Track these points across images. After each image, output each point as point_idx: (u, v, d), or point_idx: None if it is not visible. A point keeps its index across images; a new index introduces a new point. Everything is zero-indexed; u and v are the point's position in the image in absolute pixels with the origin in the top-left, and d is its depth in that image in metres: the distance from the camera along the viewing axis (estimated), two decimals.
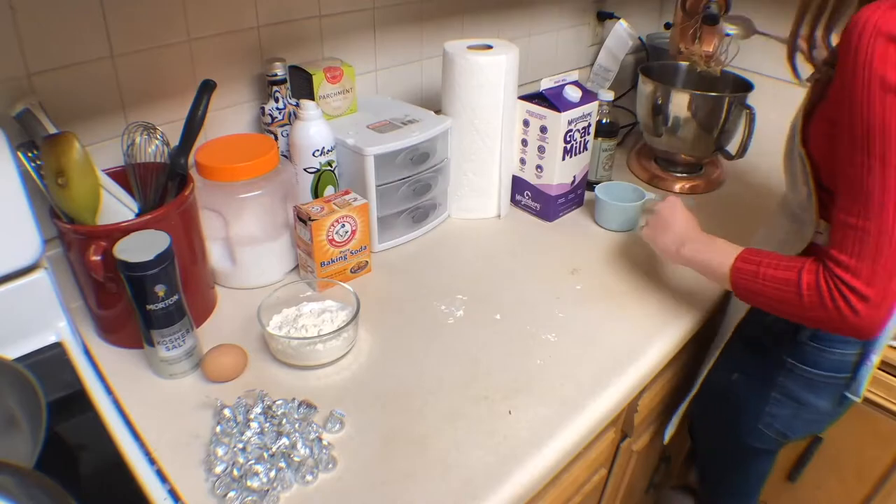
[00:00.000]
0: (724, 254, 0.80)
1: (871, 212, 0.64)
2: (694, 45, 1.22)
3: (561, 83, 1.08)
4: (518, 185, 1.16)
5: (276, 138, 1.02)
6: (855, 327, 0.68)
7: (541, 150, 1.09)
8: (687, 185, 1.29)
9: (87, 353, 0.79)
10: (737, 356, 0.95)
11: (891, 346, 1.05)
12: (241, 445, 0.66)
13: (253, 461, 0.64)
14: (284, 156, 1.01)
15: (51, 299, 0.77)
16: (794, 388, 0.88)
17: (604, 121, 1.19)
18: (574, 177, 1.14)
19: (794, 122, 0.81)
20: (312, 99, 1.02)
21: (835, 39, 0.71)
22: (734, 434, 1.00)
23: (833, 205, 0.70)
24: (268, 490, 0.62)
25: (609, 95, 1.19)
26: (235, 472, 0.63)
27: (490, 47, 1.05)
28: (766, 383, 0.91)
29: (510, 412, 0.74)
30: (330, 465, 0.66)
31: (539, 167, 1.11)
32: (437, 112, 1.10)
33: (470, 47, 1.04)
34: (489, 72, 1.02)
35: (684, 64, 1.37)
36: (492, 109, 1.05)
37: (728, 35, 1.17)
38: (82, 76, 0.83)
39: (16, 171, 0.70)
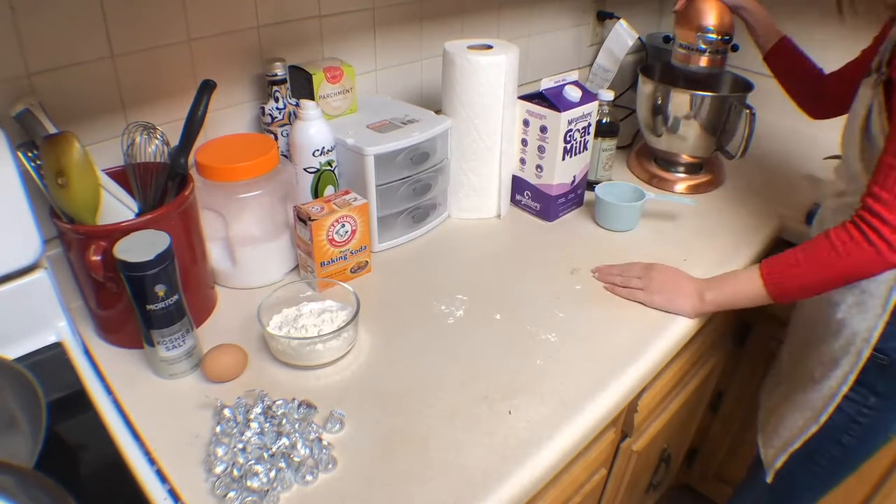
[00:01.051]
0: (746, 277, 0.84)
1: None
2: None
3: (561, 83, 1.08)
4: (518, 184, 1.16)
5: (276, 138, 1.02)
6: (886, 268, 0.74)
7: (541, 149, 1.09)
8: (687, 185, 1.29)
9: (87, 353, 0.79)
10: (871, 380, 0.91)
11: None
12: (241, 445, 0.66)
13: (253, 461, 0.64)
14: (284, 156, 1.01)
15: (51, 299, 0.77)
16: None
17: (604, 121, 1.19)
18: (574, 176, 1.14)
19: (865, 110, 0.83)
20: (312, 99, 1.02)
21: None
22: (858, 453, 0.99)
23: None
24: (268, 490, 0.62)
25: (609, 95, 1.19)
26: (235, 473, 0.63)
27: (490, 47, 1.05)
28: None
29: (510, 412, 0.74)
30: (330, 465, 0.66)
31: (539, 167, 1.11)
32: (437, 112, 1.10)
33: (470, 47, 1.04)
34: (489, 72, 1.02)
35: (685, 64, 1.36)
36: (492, 109, 1.05)
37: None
38: (82, 76, 0.83)
39: (16, 171, 0.70)
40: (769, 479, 1.07)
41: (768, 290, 0.83)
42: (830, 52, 1.16)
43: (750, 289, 0.84)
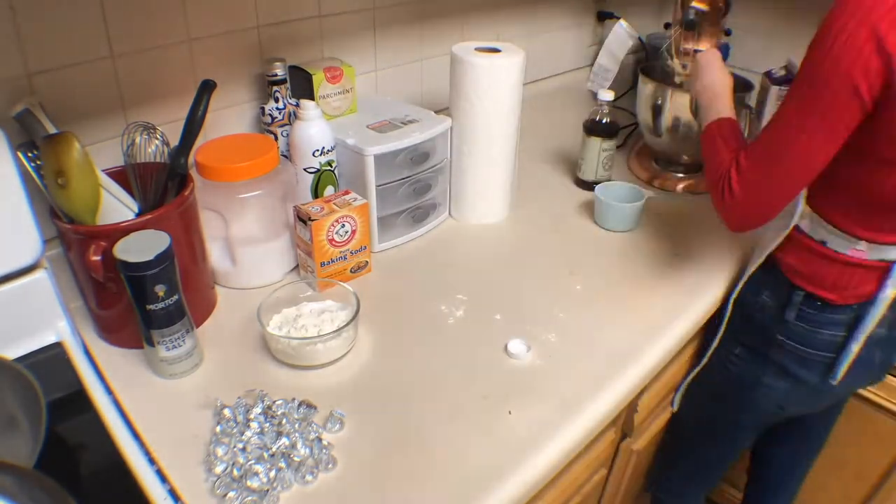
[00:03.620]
0: (717, 113, 0.91)
1: (770, 125, 0.76)
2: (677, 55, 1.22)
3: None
4: None
5: (276, 138, 1.02)
6: (721, 214, 0.82)
7: None
8: (687, 185, 1.29)
9: (87, 353, 0.79)
10: (738, 330, 0.98)
11: None
12: (241, 445, 0.66)
13: (253, 461, 0.64)
14: (284, 156, 1.01)
15: (51, 299, 0.77)
16: (788, 363, 0.93)
17: (604, 121, 1.19)
18: None
19: None
20: (312, 99, 1.02)
21: None
22: (731, 403, 1.04)
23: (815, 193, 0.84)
24: (268, 490, 0.62)
25: (609, 95, 1.19)
26: (235, 472, 0.63)
27: (498, 51, 1.05)
28: (762, 356, 0.96)
29: (510, 412, 0.74)
30: (330, 465, 0.66)
31: None
32: (437, 112, 1.10)
33: (478, 49, 1.04)
34: (497, 75, 1.01)
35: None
36: (497, 112, 1.04)
37: (697, 52, 1.17)
38: (82, 76, 0.83)
39: (16, 171, 0.70)
40: (674, 408, 1.13)
41: (703, 130, 0.91)
42: None
43: (707, 116, 0.93)
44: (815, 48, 0.70)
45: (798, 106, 0.73)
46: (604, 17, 1.66)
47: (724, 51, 1.19)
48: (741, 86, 1.28)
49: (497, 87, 1.02)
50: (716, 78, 0.98)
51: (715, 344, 1.02)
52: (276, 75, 0.99)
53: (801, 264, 0.88)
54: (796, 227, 0.88)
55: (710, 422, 1.11)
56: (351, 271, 0.96)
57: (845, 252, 0.83)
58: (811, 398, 0.98)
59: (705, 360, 1.04)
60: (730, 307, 0.98)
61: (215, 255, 0.92)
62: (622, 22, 1.57)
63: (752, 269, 0.94)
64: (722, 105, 0.92)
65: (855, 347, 0.87)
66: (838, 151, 0.73)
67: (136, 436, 0.68)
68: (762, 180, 0.77)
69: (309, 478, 0.64)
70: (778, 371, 0.94)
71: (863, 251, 0.82)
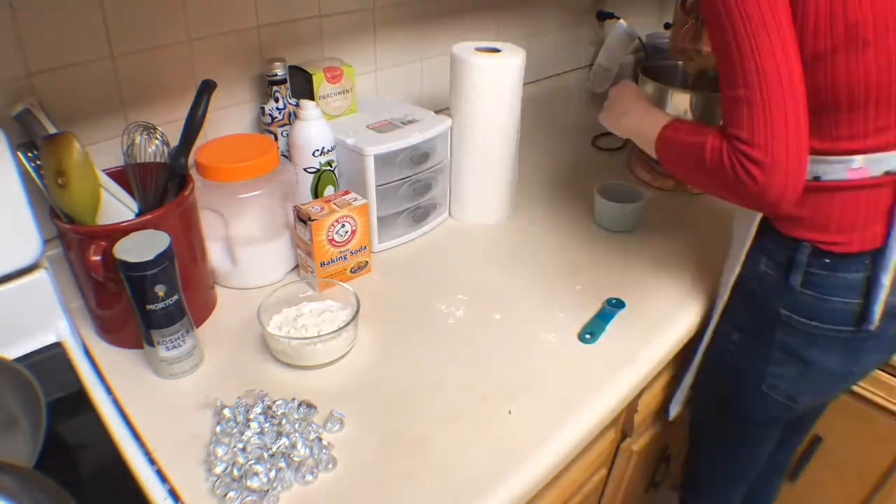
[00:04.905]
0: (657, 123, 0.80)
1: (750, 80, 0.65)
2: (691, 44, 1.22)
3: None
4: None
5: (276, 138, 1.02)
6: (755, 196, 0.68)
7: None
8: (687, 185, 1.29)
9: (87, 353, 0.79)
10: (734, 314, 0.89)
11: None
12: (241, 445, 0.66)
13: (253, 461, 0.64)
14: (284, 156, 1.01)
15: (51, 299, 0.77)
16: (795, 343, 0.82)
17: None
18: None
19: None
20: (312, 99, 1.02)
21: None
22: (735, 402, 0.93)
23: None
24: (268, 490, 0.62)
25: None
26: (235, 472, 0.63)
27: (498, 51, 1.05)
28: (764, 340, 0.85)
29: (510, 412, 0.74)
30: (330, 465, 0.66)
31: None
32: (437, 112, 1.10)
33: (478, 49, 1.04)
34: (497, 75, 1.01)
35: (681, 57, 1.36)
36: (498, 112, 1.04)
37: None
38: (82, 76, 0.83)
39: (16, 171, 0.70)
40: (670, 416, 1.05)
41: (657, 149, 0.80)
42: None
43: (650, 138, 0.81)
44: None
45: (745, 13, 0.64)
46: (604, 17, 1.66)
47: None
48: None
49: (497, 87, 1.02)
50: (627, 104, 0.91)
51: (708, 336, 0.92)
52: (276, 75, 0.99)
53: (800, 208, 0.76)
54: None
55: (721, 426, 1.01)
56: (351, 271, 0.96)
57: (844, 177, 0.73)
58: (826, 385, 0.87)
59: (698, 356, 0.95)
60: (726, 292, 0.87)
61: (215, 255, 0.92)
62: (622, 22, 1.57)
63: (748, 242, 0.84)
64: (653, 118, 0.83)
65: (882, 295, 0.75)
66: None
67: (136, 436, 0.68)
68: (770, 119, 0.65)
69: (309, 478, 0.64)
70: (784, 356, 0.83)
71: (862, 167, 0.72)
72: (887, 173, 0.72)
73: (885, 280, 0.75)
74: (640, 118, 0.86)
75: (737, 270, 0.86)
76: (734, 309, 0.89)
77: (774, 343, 0.83)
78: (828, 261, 0.77)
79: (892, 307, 0.77)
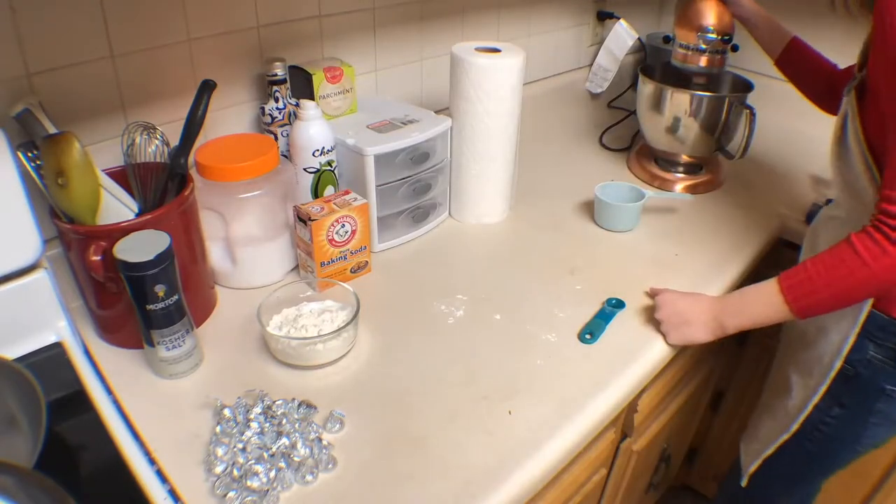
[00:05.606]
0: (764, 294, 0.80)
1: None
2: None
3: None
4: None
5: (276, 138, 1.02)
6: None
7: None
8: (687, 186, 1.29)
9: (87, 353, 0.79)
10: (835, 391, 0.91)
11: None
12: (241, 445, 0.66)
13: (253, 461, 0.64)
14: (284, 156, 1.01)
15: (51, 299, 0.77)
16: (892, 410, 0.88)
17: None
18: None
19: (841, 119, 0.83)
20: (312, 99, 1.02)
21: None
22: (824, 459, 0.98)
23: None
24: (268, 490, 0.62)
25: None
26: (235, 472, 0.63)
27: (498, 51, 1.05)
28: (864, 410, 0.89)
29: (510, 412, 0.74)
30: (330, 465, 0.66)
31: None
32: (437, 112, 1.10)
33: (478, 49, 1.04)
34: (497, 75, 1.01)
35: (684, 64, 1.36)
36: (497, 111, 1.04)
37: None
38: (82, 76, 0.83)
39: (16, 171, 0.70)
40: (744, 483, 1.08)
41: (791, 307, 0.77)
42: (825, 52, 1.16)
43: (772, 310, 0.79)
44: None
45: None
46: (604, 17, 1.66)
47: (734, 49, 1.17)
48: (742, 86, 1.29)
49: (497, 87, 1.02)
50: (700, 302, 0.87)
51: (808, 410, 0.93)
52: (276, 75, 0.99)
53: None
54: None
55: (790, 481, 1.05)
56: (351, 271, 0.96)
57: None
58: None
59: (796, 426, 0.95)
60: (829, 377, 0.89)
61: (215, 255, 0.92)
62: (622, 22, 1.57)
63: (854, 330, 0.85)
64: (750, 298, 0.82)
65: None
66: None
67: (136, 436, 0.68)
68: None
69: (309, 478, 0.64)
70: (881, 420, 0.89)
71: None
72: None
73: None
74: (743, 309, 0.83)
75: (843, 352, 0.87)
76: (835, 387, 0.90)
77: (874, 411, 0.88)
78: None
79: None
